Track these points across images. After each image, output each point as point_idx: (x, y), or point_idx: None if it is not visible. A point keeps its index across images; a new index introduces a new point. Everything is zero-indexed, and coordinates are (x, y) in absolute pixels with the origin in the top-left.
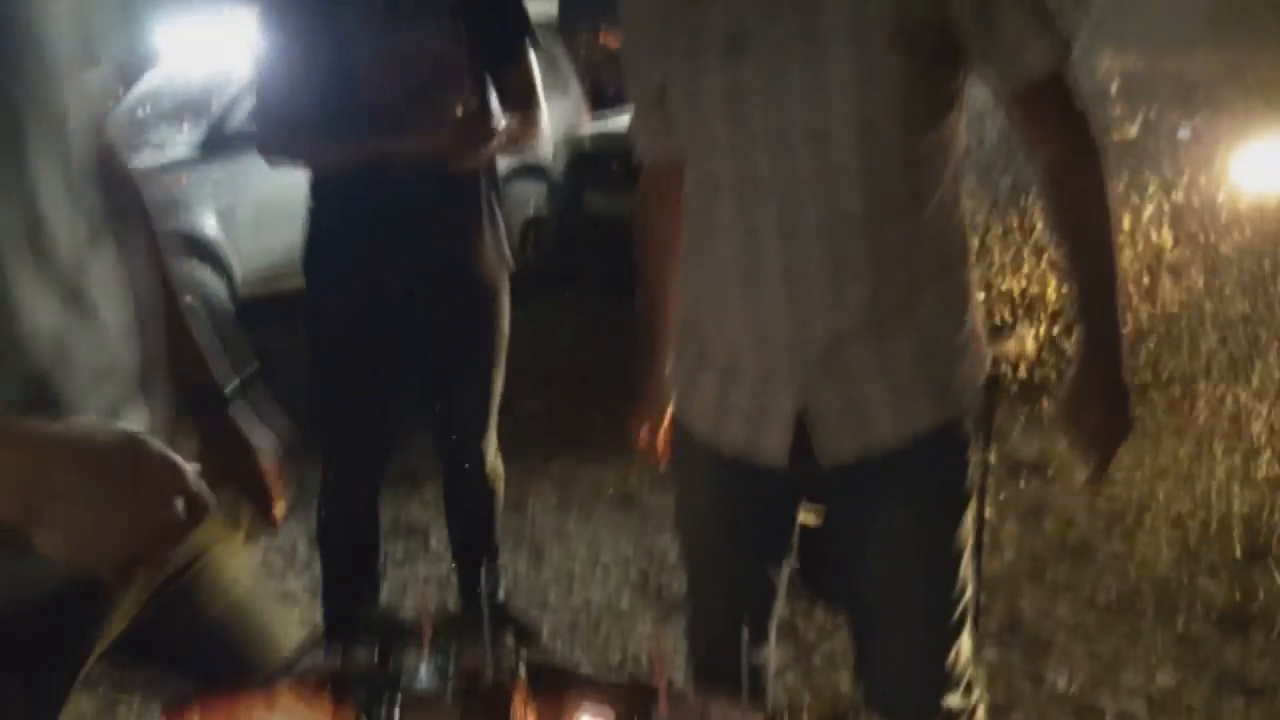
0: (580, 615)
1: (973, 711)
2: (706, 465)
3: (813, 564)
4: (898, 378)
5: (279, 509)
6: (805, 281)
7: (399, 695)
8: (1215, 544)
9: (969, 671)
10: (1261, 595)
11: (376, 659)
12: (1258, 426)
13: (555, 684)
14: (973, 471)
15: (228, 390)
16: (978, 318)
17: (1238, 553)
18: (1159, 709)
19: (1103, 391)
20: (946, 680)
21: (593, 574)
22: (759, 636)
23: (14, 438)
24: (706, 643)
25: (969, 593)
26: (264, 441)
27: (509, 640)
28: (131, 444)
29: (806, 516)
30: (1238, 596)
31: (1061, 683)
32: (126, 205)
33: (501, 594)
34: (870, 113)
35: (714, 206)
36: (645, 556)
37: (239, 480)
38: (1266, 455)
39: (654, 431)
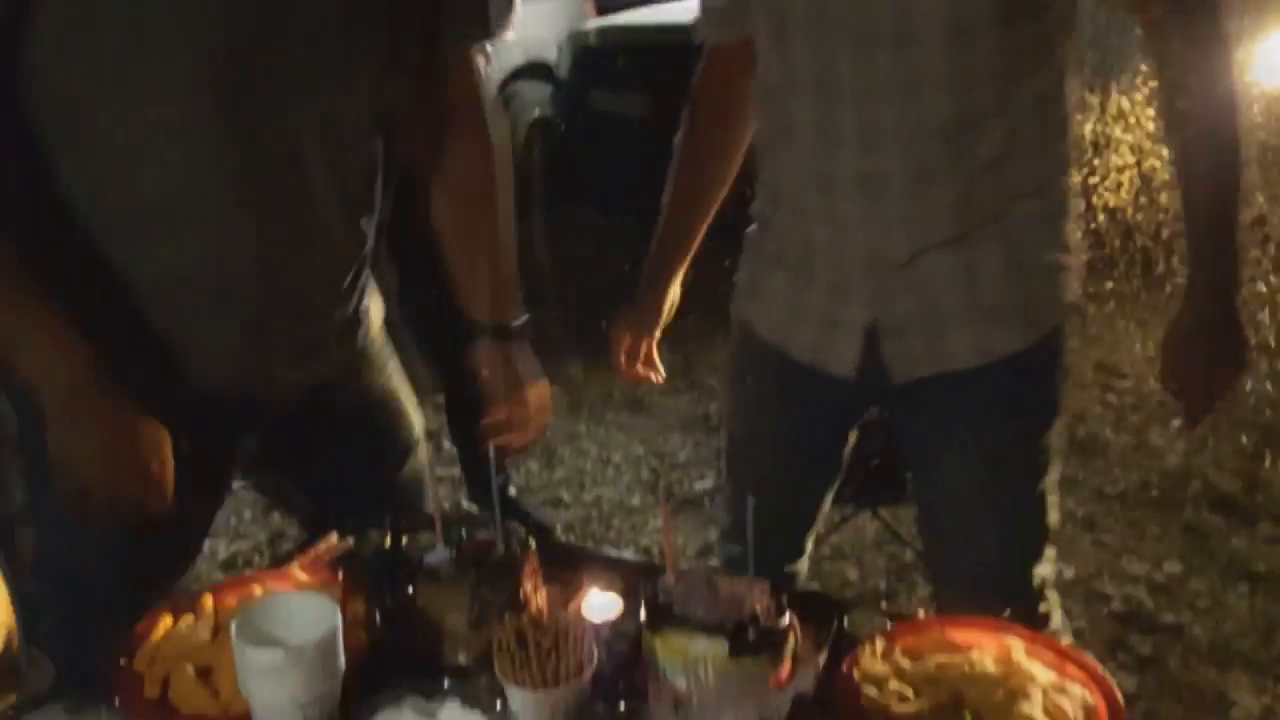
0: (592, 511)
1: (1046, 621)
2: (770, 367)
3: None
4: (983, 294)
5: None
6: (883, 191)
7: (410, 572)
8: (1224, 437)
9: (1046, 588)
10: (1269, 486)
11: (388, 541)
12: (1267, 320)
13: (564, 561)
14: (1058, 391)
15: (514, 325)
16: (1073, 232)
17: (1246, 445)
18: (1164, 595)
19: (1212, 325)
20: (1023, 594)
21: (604, 473)
22: (796, 550)
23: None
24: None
25: (1051, 513)
26: (537, 376)
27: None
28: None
29: None
30: (1245, 488)
31: (1069, 572)
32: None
33: (513, 490)
34: (960, 14)
35: (790, 105)
36: (656, 456)
37: (511, 407)
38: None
39: (636, 347)
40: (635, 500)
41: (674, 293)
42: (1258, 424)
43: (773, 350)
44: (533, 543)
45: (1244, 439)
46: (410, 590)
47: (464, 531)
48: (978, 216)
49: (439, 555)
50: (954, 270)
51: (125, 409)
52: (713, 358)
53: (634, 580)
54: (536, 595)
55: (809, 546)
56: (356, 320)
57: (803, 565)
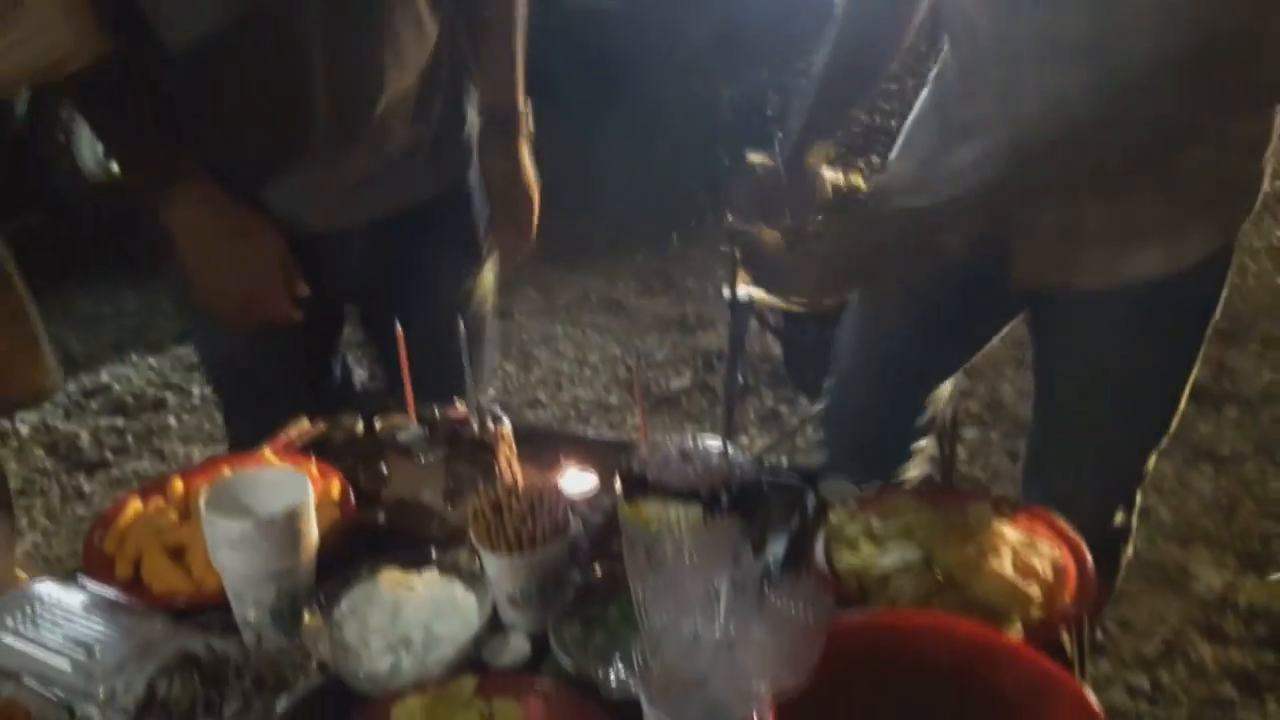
0: (570, 411)
1: (1130, 531)
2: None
3: (797, 354)
4: (1174, 205)
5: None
6: (1069, 102)
7: (384, 451)
8: None
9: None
10: (1234, 373)
11: (361, 425)
12: None
13: (540, 442)
14: (1215, 308)
15: (520, 111)
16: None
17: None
18: None
19: None
20: (1121, 502)
21: (581, 374)
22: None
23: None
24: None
25: (1171, 426)
26: (534, 181)
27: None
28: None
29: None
30: (1212, 375)
31: None
32: None
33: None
34: None
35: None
36: (632, 356)
37: (509, 208)
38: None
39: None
40: (613, 399)
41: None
42: (1226, 315)
43: None
44: (507, 421)
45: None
46: (384, 468)
47: (436, 411)
48: (1172, 136)
49: (412, 434)
50: (1145, 183)
51: (251, 218)
52: (690, 260)
53: (610, 459)
54: (511, 470)
55: (924, 445)
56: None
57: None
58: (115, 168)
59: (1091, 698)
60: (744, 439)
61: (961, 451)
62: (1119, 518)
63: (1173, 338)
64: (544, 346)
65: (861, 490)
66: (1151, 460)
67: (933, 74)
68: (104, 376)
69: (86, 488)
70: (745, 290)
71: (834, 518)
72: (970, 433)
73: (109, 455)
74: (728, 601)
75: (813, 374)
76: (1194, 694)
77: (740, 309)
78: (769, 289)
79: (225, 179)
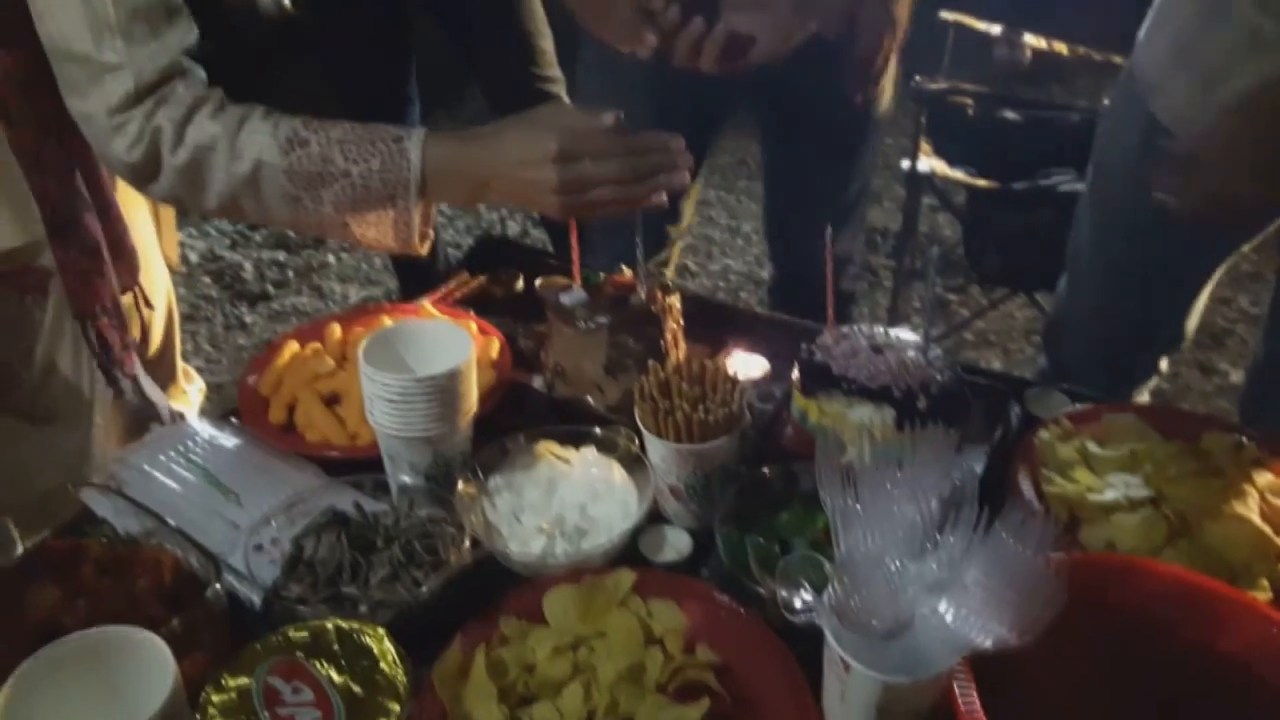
0: (719, 280)
1: None
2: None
3: (980, 238)
4: None
5: None
6: None
7: (544, 312)
8: None
9: None
10: None
11: (521, 283)
12: None
13: (707, 316)
14: None
15: None
16: None
17: None
18: None
19: None
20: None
21: (733, 243)
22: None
23: None
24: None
25: None
26: None
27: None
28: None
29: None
30: None
31: (1236, 376)
32: None
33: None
34: None
35: None
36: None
37: None
38: None
39: None
40: (764, 273)
41: None
42: None
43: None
44: (675, 291)
45: None
46: (544, 331)
47: (601, 274)
48: None
49: (574, 297)
50: None
51: None
52: None
53: (783, 343)
54: (677, 347)
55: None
56: None
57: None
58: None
59: None
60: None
61: None
62: None
63: None
64: (695, 211)
65: (1076, 406)
66: None
67: None
68: None
69: (248, 318)
70: (926, 162)
71: (1044, 435)
72: None
73: (270, 288)
74: (937, 531)
75: (995, 259)
76: None
77: (918, 182)
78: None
79: None
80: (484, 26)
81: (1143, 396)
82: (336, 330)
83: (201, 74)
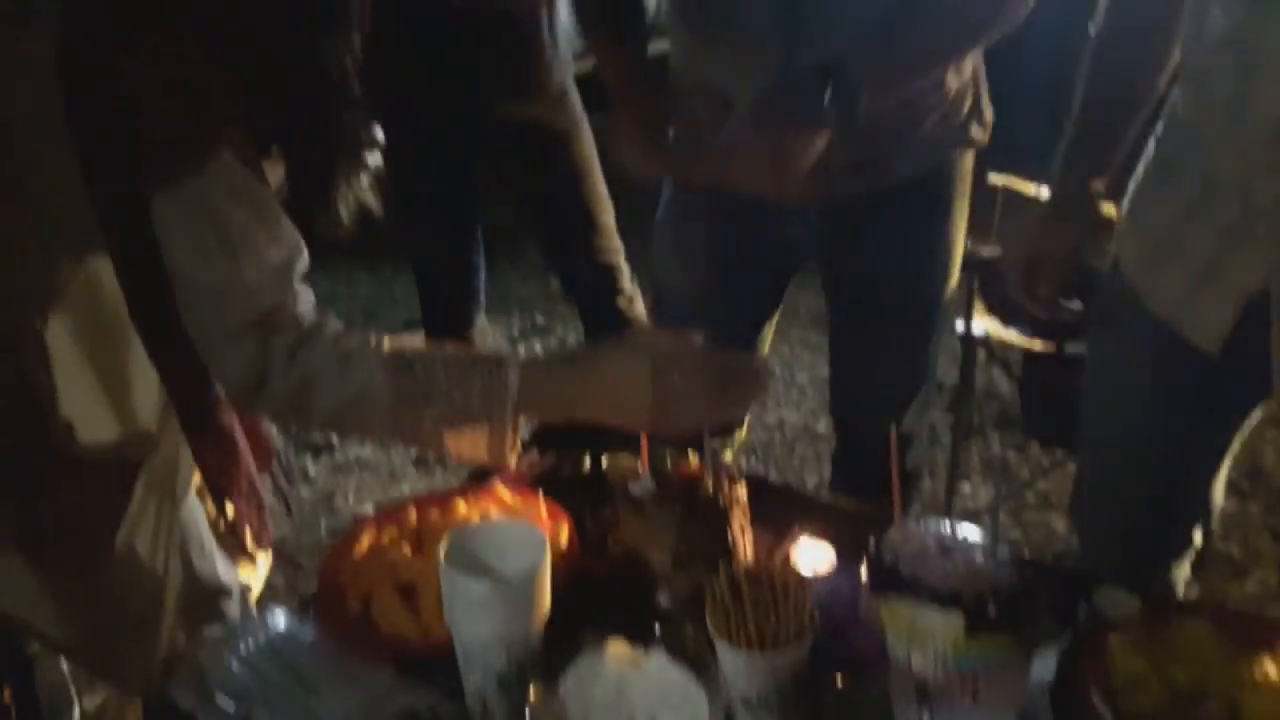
0: (775, 435)
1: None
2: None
3: (1035, 400)
4: None
5: None
6: None
7: (613, 501)
8: None
9: None
10: None
11: (588, 463)
12: None
13: (771, 500)
14: None
15: None
16: None
17: None
18: None
19: None
20: None
21: (788, 395)
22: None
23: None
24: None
25: None
26: None
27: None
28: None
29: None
30: None
31: None
32: None
33: None
34: None
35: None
36: None
37: None
38: None
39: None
40: (820, 426)
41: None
42: None
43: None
44: (742, 485)
45: None
46: (612, 519)
47: (669, 460)
48: None
49: (643, 486)
50: None
51: None
52: None
53: (848, 530)
54: (744, 538)
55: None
56: None
57: (1179, 576)
58: None
59: None
60: (965, 487)
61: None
62: None
63: None
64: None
65: (1141, 605)
66: None
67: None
68: None
69: (311, 470)
70: (980, 324)
71: (1115, 644)
72: (1229, 504)
73: (333, 439)
74: None
75: (1052, 423)
76: None
77: (972, 343)
78: None
79: None
80: (550, 205)
81: (1183, 570)
82: (412, 516)
83: (311, 297)
